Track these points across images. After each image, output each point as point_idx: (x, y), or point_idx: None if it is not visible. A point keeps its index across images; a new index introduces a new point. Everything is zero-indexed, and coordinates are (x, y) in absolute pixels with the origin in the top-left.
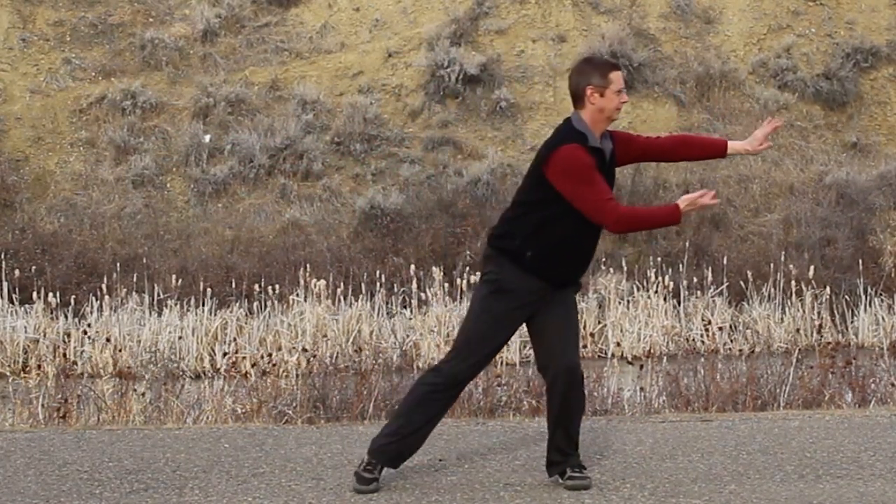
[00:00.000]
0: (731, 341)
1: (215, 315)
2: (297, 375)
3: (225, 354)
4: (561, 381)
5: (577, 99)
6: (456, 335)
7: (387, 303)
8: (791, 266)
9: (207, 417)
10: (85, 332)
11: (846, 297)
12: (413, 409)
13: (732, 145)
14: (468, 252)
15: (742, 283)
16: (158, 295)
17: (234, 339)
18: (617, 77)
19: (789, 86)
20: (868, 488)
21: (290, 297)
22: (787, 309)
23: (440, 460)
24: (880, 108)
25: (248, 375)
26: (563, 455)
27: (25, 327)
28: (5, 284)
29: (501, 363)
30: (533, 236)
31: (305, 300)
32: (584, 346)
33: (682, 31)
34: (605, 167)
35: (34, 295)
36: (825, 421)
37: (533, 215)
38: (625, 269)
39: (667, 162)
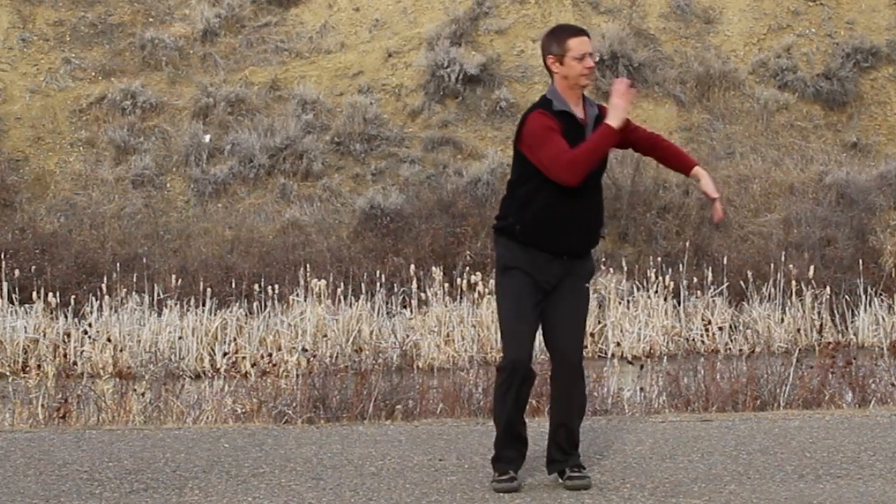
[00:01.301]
0: (731, 341)
1: (215, 315)
2: (297, 375)
3: (225, 354)
4: (562, 377)
5: (547, 70)
6: None
7: (387, 303)
8: (791, 266)
9: (207, 417)
10: (86, 332)
11: (846, 297)
12: (499, 411)
13: (698, 172)
14: (468, 252)
15: (742, 283)
16: (158, 295)
17: (234, 339)
18: (576, 43)
19: (789, 86)
20: (868, 488)
21: (290, 297)
22: (787, 309)
23: (440, 460)
24: (880, 107)
25: (248, 375)
26: (564, 454)
27: (25, 327)
28: (5, 284)
29: None
30: (521, 210)
31: (305, 300)
32: (585, 347)
33: (682, 31)
34: (581, 131)
35: (34, 295)
36: (825, 421)
37: (519, 191)
38: (625, 268)
39: (643, 155)
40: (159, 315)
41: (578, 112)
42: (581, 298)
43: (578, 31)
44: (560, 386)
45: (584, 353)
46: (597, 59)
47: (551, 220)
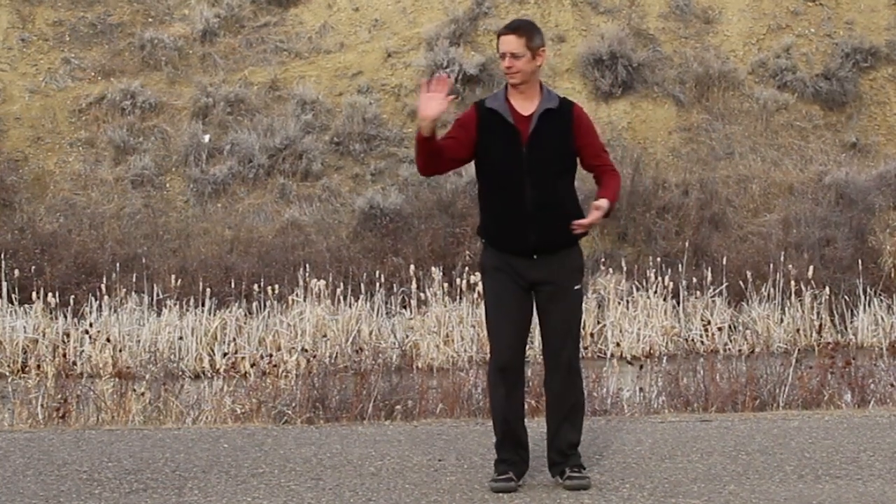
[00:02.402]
0: (731, 341)
1: (215, 315)
2: (297, 376)
3: (224, 354)
4: (553, 379)
5: None
6: None
7: (386, 303)
8: (790, 266)
9: (207, 417)
10: (86, 332)
11: (845, 297)
12: (493, 413)
13: (599, 203)
14: (467, 252)
15: (741, 283)
16: (158, 295)
17: (234, 340)
18: (500, 42)
19: (788, 86)
20: (867, 488)
21: (290, 297)
22: (786, 309)
23: (440, 460)
24: (879, 108)
25: (248, 375)
26: (563, 455)
27: (25, 327)
28: (5, 284)
29: None
30: (482, 212)
31: (305, 300)
32: (585, 347)
33: (682, 31)
34: (509, 129)
35: (33, 295)
36: (824, 421)
37: (478, 191)
38: (624, 269)
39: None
40: (159, 315)
41: (521, 108)
42: (568, 299)
43: (505, 30)
44: (552, 388)
45: (579, 354)
46: (521, 59)
47: (501, 217)
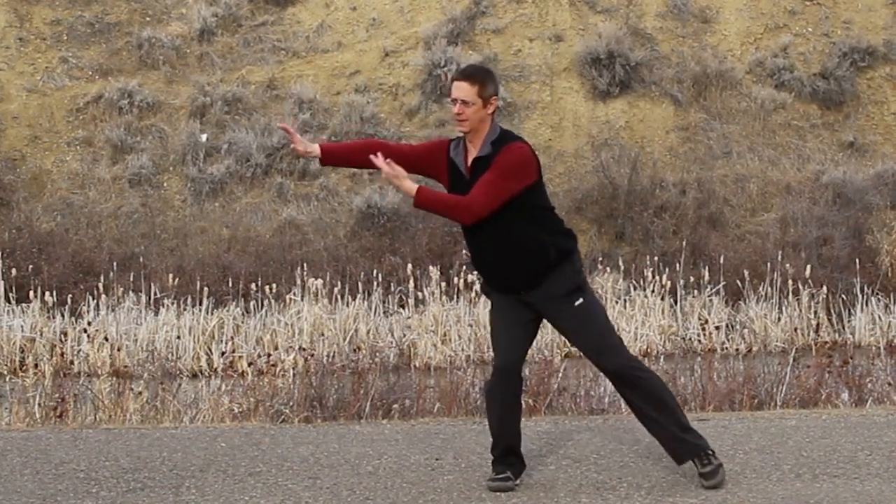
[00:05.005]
0: (728, 340)
1: (212, 314)
2: (294, 375)
3: (222, 354)
4: (613, 383)
5: None
6: None
7: (384, 302)
8: (788, 265)
9: (204, 416)
10: (84, 331)
11: (843, 296)
12: (489, 412)
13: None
14: (465, 251)
15: (739, 282)
16: (155, 294)
17: (231, 339)
18: (452, 87)
19: (786, 85)
20: (865, 487)
21: (287, 296)
22: (783, 308)
23: (437, 459)
24: (877, 107)
25: (245, 374)
26: (679, 441)
27: (22, 326)
28: (2, 283)
29: None
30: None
31: (302, 299)
32: None
33: (679, 31)
34: (460, 178)
35: (31, 294)
36: (822, 420)
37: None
38: (622, 268)
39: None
40: (156, 314)
41: (470, 156)
42: (578, 317)
43: (458, 75)
44: (624, 396)
45: (622, 355)
46: (472, 107)
47: (474, 260)
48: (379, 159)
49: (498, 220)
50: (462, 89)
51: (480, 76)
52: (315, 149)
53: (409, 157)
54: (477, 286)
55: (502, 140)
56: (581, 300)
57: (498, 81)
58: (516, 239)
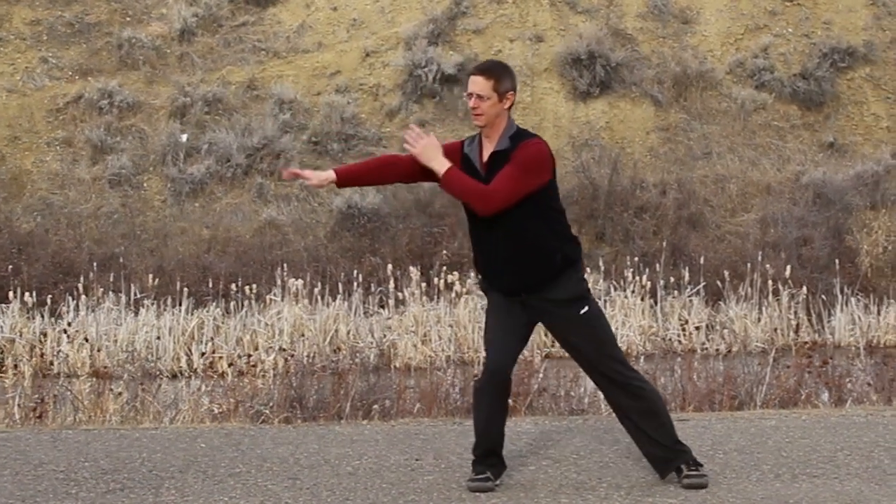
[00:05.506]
0: (708, 341)
1: (192, 315)
2: (274, 375)
3: (202, 354)
4: (612, 396)
5: None
6: None
7: (364, 302)
8: (768, 266)
9: (184, 417)
10: (65, 332)
11: (823, 296)
12: (477, 411)
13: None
14: (445, 252)
15: (719, 282)
16: (135, 294)
17: (211, 339)
18: (469, 81)
19: (766, 86)
20: (844, 487)
21: (267, 296)
22: (763, 309)
23: (417, 460)
24: (857, 107)
25: (225, 375)
26: (668, 449)
27: (2, 327)
28: None
29: (479, 363)
30: (472, 249)
31: (282, 300)
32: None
33: (660, 31)
34: (475, 173)
35: (10, 294)
36: (801, 420)
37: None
38: (602, 268)
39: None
40: (136, 315)
41: (486, 152)
42: (580, 326)
43: (475, 70)
44: (617, 404)
45: (623, 363)
46: (487, 101)
47: (481, 261)
48: (411, 132)
49: (510, 219)
50: (478, 83)
51: (496, 71)
52: (329, 175)
53: (420, 165)
54: (457, 287)
55: (520, 136)
56: (586, 308)
57: (515, 77)
58: (526, 240)
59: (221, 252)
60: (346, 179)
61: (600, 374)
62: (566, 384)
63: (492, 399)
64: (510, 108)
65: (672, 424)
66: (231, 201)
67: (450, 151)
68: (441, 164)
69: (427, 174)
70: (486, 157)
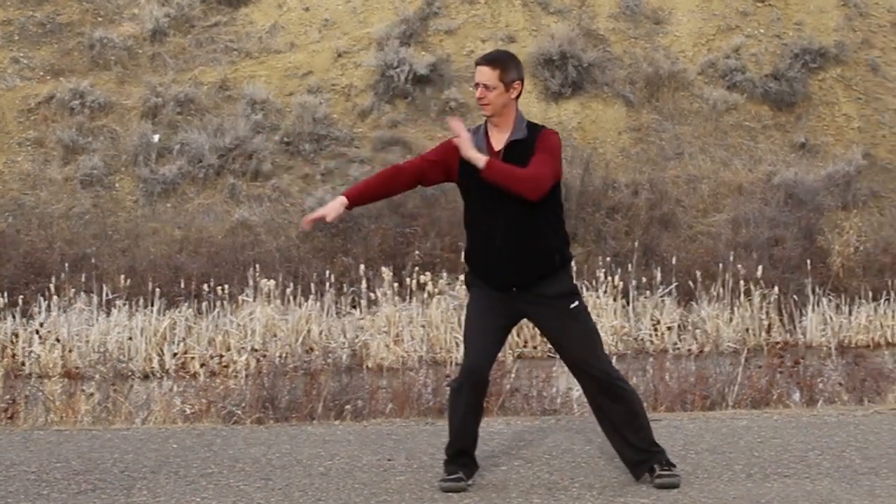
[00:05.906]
0: (680, 341)
1: (164, 315)
2: (246, 376)
3: (174, 355)
4: (593, 390)
5: None
6: None
7: (336, 303)
8: (739, 266)
9: (156, 418)
10: (36, 332)
11: (794, 296)
12: (452, 410)
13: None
14: (417, 252)
15: (691, 282)
16: (107, 295)
17: (183, 340)
18: (476, 71)
19: (738, 86)
20: (815, 487)
21: (240, 297)
22: (735, 309)
23: (389, 460)
24: (828, 108)
25: (197, 376)
26: (643, 452)
27: None
28: None
29: (451, 363)
30: (466, 240)
31: (255, 300)
32: (535, 347)
33: (632, 32)
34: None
35: None
36: (773, 420)
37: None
38: (574, 268)
39: None
40: (108, 315)
41: (495, 142)
42: (568, 323)
43: (481, 60)
44: (591, 402)
45: (608, 364)
46: (493, 91)
47: (478, 251)
48: (455, 123)
49: (514, 212)
50: (483, 73)
51: (502, 60)
52: (341, 201)
53: (423, 168)
54: (430, 287)
55: (536, 126)
56: (577, 303)
57: (522, 68)
58: (529, 235)
59: (193, 252)
60: (356, 200)
61: (584, 373)
62: (538, 384)
63: (468, 399)
64: (517, 97)
65: (650, 427)
66: (203, 202)
67: (450, 147)
68: (480, 156)
69: (432, 178)
70: (497, 146)
